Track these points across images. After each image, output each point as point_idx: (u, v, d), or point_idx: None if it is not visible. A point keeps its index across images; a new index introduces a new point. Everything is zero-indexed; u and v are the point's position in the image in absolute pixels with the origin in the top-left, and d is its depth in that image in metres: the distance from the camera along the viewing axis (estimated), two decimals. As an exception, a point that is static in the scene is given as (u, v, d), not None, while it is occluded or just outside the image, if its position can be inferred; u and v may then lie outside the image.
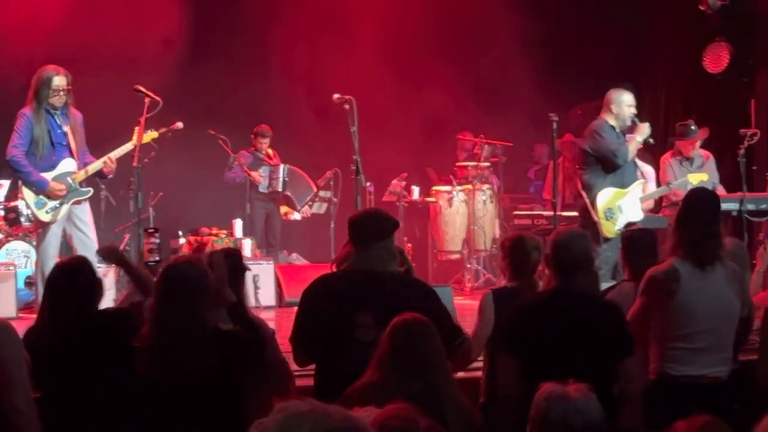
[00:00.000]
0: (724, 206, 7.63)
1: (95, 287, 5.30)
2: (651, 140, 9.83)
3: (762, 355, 5.55)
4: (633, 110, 9.64)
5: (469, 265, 12.68)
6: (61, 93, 8.92)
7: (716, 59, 12.56)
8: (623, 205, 9.61)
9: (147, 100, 9.12)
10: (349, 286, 5.14)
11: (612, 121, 9.64)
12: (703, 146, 11.21)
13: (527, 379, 4.40)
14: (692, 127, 11.07)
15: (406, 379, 4.33)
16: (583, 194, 9.64)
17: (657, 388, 5.55)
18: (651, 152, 12.22)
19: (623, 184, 9.66)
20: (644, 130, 9.64)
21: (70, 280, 5.25)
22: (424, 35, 13.70)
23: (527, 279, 6.02)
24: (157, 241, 5.69)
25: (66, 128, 9.05)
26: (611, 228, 9.52)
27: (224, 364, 4.86)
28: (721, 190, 10.76)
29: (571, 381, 3.77)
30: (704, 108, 12.89)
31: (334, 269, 5.34)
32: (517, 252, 6.07)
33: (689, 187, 10.65)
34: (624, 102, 9.64)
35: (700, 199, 5.77)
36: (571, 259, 5.24)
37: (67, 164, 9.07)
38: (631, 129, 9.67)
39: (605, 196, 9.56)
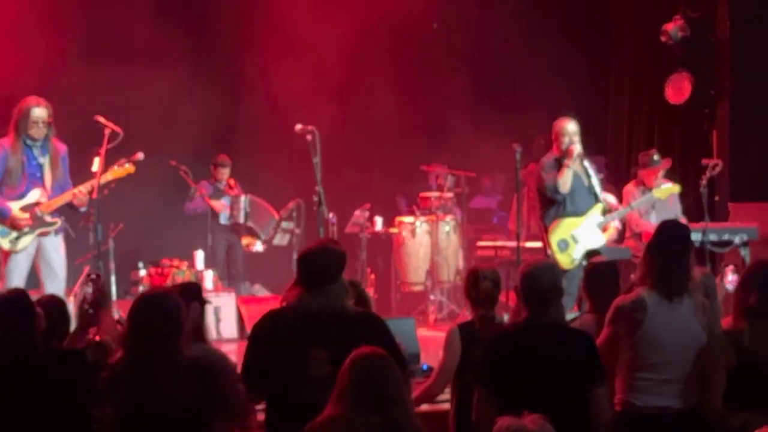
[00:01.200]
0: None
1: (30, 322, 5.13)
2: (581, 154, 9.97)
3: (707, 386, 5.54)
4: (568, 138, 9.74)
5: (432, 297, 12.66)
6: (41, 124, 8.94)
7: (678, 90, 12.65)
8: (579, 233, 9.67)
9: (107, 131, 9.12)
10: (303, 321, 5.07)
11: (558, 154, 9.79)
12: (667, 177, 11.29)
13: (502, 411, 4.41)
14: (655, 157, 11.13)
15: (366, 413, 4.33)
16: (542, 230, 9.79)
17: (622, 419, 5.54)
18: (614, 183, 12.30)
19: (577, 212, 9.74)
20: (571, 152, 9.73)
21: (2, 314, 5.11)
22: (388, 65, 13.73)
23: (482, 310, 6.11)
24: (90, 290, 5.68)
25: (42, 160, 9.05)
26: (566, 260, 9.58)
27: (200, 395, 4.88)
28: (683, 221, 10.80)
29: (526, 412, 3.81)
30: (667, 139, 12.97)
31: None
32: (469, 283, 6.21)
33: (655, 203, 10.76)
34: (560, 132, 9.80)
35: (671, 231, 5.80)
36: (540, 291, 5.27)
37: (36, 195, 9.05)
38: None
39: (557, 229, 9.68)
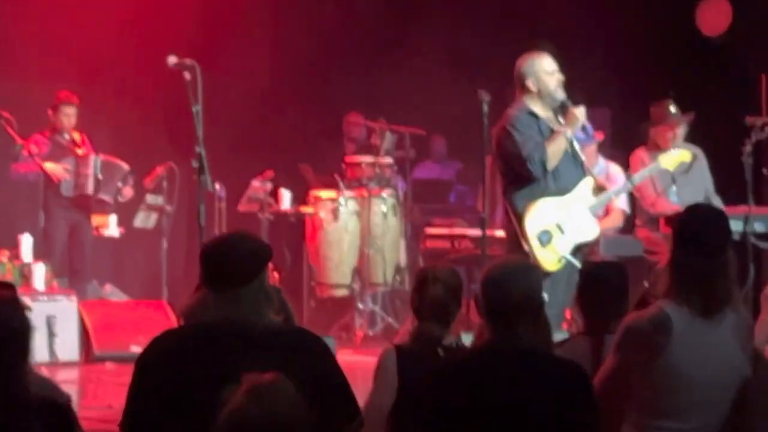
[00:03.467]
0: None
1: None
2: (588, 128, 9.86)
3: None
4: (558, 77, 9.62)
5: (361, 306, 12.64)
6: None
7: (714, 18, 12.72)
8: (565, 221, 9.55)
9: None
10: (207, 348, 5.03)
11: (533, 105, 9.60)
12: (690, 137, 11.32)
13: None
14: (671, 109, 11.15)
15: None
16: (511, 214, 9.58)
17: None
18: (622, 147, 12.33)
19: (561, 190, 9.60)
20: (575, 117, 9.58)
21: None
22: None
23: (425, 325, 6.12)
24: None
25: None
26: (549, 258, 9.46)
27: None
28: (717, 204, 10.84)
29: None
30: (696, 86, 13.01)
31: (182, 323, 5.24)
32: (415, 288, 6.24)
33: (663, 173, 10.74)
34: (541, 70, 9.56)
35: (703, 220, 5.74)
36: (508, 304, 5.20)
37: None
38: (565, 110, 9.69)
39: (537, 214, 9.47)
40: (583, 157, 10.01)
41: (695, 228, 5.67)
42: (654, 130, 11.22)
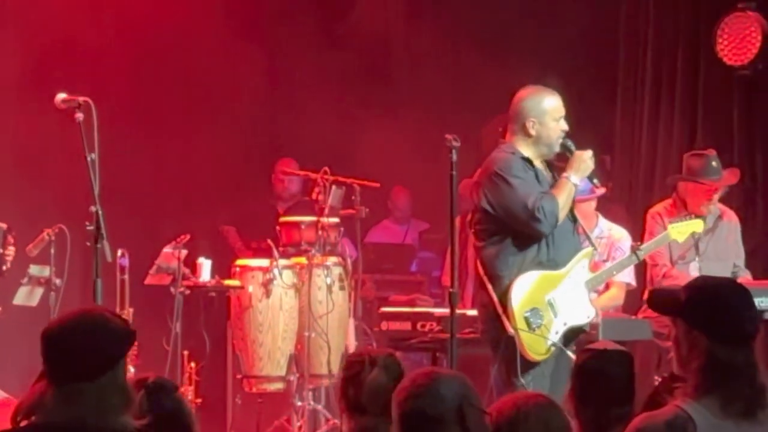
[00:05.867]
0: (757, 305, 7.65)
1: None
2: (596, 181, 9.89)
3: None
4: (563, 126, 9.66)
5: (300, 403, 12.64)
6: None
7: (739, 41, 12.81)
8: (557, 298, 9.56)
9: None
10: None
11: (527, 150, 9.65)
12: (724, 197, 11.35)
13: None
14: (713, 164, 11.07)
15: None
16: (487, 284, 9.61)
17: None
18: (628, 201, 12.40)
19: (556, 261, 9.67)
20: (582, 163, 9.63)
21: None
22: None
23: (362, 421, 6.19)
24: None
25: None
26: (538, 344, 9.46)
27: None
28: (746, 278, 10.90)
29: None
30: (720, 127, 13.10)
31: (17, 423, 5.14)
32: (346, 377, 6.36)
33: (699, 241, 10.81)
34: (547, 112, 9.58)
35: (720, 297, 5.71)
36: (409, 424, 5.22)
37: None
38: (563, 160, 9.69)
39: (524, 287, 9.50)
40: (601, 225, 10.07)
41: (704, 306, 5.56)
42: (685, 186, 11.23)
